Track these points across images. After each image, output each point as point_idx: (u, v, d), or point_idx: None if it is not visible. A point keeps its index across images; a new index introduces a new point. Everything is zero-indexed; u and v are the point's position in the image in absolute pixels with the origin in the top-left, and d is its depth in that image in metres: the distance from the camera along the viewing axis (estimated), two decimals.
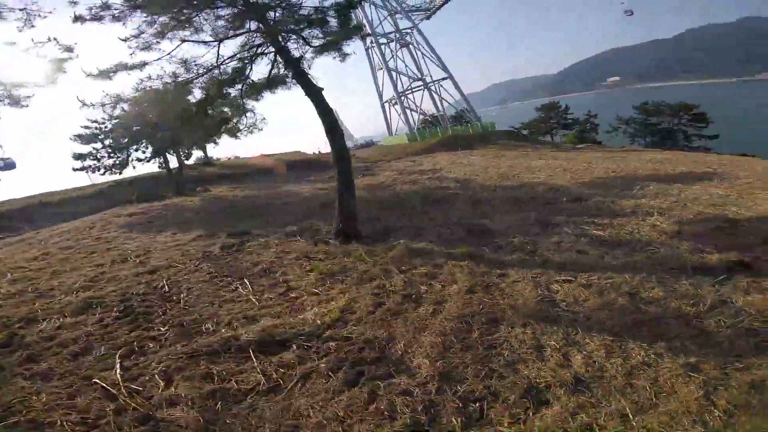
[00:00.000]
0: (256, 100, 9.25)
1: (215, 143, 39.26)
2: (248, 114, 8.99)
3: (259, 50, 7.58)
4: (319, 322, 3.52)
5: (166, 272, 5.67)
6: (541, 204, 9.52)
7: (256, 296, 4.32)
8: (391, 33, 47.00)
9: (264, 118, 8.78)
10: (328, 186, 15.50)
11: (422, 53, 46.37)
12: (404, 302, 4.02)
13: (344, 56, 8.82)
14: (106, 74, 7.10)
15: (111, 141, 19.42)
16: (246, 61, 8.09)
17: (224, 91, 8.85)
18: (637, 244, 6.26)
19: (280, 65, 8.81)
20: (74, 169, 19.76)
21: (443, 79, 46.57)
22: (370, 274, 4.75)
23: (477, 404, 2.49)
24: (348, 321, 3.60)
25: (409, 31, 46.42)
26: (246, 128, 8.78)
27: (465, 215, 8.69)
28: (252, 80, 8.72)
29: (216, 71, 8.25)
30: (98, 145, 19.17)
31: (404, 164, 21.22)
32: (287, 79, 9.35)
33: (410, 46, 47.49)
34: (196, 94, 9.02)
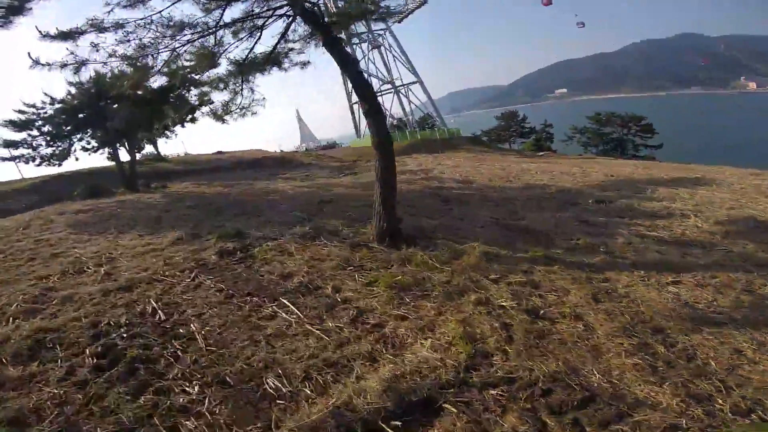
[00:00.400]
0: (247, 81, 7.81)
1: (168, 136, 35.81)
2: (244, 93, 7.43)
3: (275, 13, 6.13)
4: (449, 362, 2.31)
5: (150, 289, 4.04)
6: (562, 204, 8.96)
7: (316, 326, 2.97)
8: (363, 33, 45.98)
9: (264, 98, 7.18)
10: (308, 184, 13.98)
11: (394, 56, 45.98)
12: (534, 320, 2.97)
13: (350, 37, 7.63)
14: (68, 35, 5.24)
15: (51, 128, 16.34)
16: (252, 29, 6.61)
17: (214, 65, 7.31)
18: (703, 244, 5.83)
19: (290, 38, 7.45)
20: (2, 159, 16.36)
21: (413, 83, 46.49)
22: (457, 286, 3.59)
23: (754, 415, 2.16)
24: (488, 354, 2.44)
25: (381, 32, 45.80)
26: (238, 110, 7.18)
27: (495, 215, 7.81)
28: (254, 54, 7.25)
29: (211, 38, 6.67)
30: (35, 132, 16.03)
31: None
32: (285, 58, 8.05)
33: (382, 48, 46.94)
34: (179, 66, 7.34)
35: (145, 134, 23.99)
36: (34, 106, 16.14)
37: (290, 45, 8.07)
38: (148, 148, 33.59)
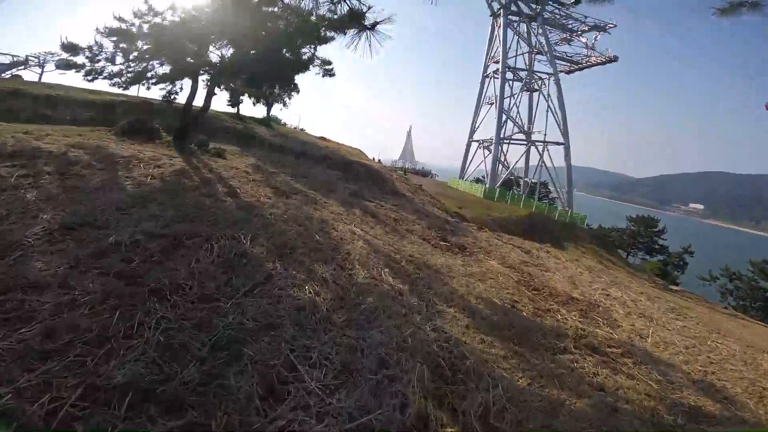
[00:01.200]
0: None
1: (284, 102, 33.64)
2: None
3: None
4: None
5: None
6: None
7: None
8: (523, 71, 39.72)
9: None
10: (396, 248, 8.03)
11: (549, 107, 38.61)
12: None
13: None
14: None
15: (145, 44, 13.19)
16: None
17: None
18: None
19: None
20: (57, 66, 13.77)
21: (558, 143, 38.38)
22: None
23: None
24: None
25: (544, 77, 38.93)
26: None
27: None
28: None
29: None
30: (110, 46, 12.97)
31: (513, 251, 13.25)
32: None
33: (537, 93, 40.06)
34: None
35: (246, 87, 20.70)
36: (140, 16, 13.13)
37: None
38: (260, 110, 31.94)
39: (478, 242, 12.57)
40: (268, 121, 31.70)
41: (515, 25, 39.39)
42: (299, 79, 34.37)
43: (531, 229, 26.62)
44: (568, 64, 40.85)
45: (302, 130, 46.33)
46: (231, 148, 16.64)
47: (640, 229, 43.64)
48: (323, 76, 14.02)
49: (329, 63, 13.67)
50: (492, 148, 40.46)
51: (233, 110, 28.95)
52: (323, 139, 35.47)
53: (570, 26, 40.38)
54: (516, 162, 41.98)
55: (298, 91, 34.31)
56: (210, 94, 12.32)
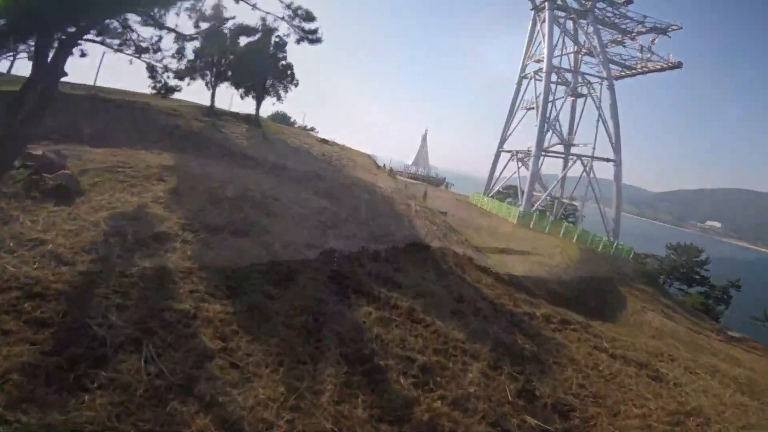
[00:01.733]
0: None
1: (279, 95, 26.70)
2: None
3: None
4: None
5: None
6: None
7: None
8: (569, 72, 32.78)
9: None
10: None
11: (600, 116, 31.58)
12: None
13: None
14: None
15: None
16: None
17: None
18: None
19: None
20: None
21: (607, 160, 31.22)
22: None
23: None
24: None
25: (598, 81, 31.94)
26: None
27: None
28: None
29: None
30: None
31: (638, 385, 6.51)
32: None
33: (581, 99, 33.19)
34: None
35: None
36: None
37: None
38: (246, 104, 25.35)
39: (584, 378, 5.92)
40: (257, 118, 25.08)
41: (561, 21, 32.86)
42: (297, 72, 28.02)
43: (590, 280, 20.43)
44: (619, 69, 33.98)
45: (312, 129, 39.65)
46: (153, 160, 10.32)
47: (681, 259, 38.45)
48: (299, 41, 7.74)
49: (311, 18, 7.25)
50: (526, 161, 33.56)
51: (217, 104, 22.36)
52: (324, 141, 28.74)
53: (624, 26, 33.71)
54: (555, 185, 35.11)
55: (296, 84, 28.25)
56: (57, 66, 5.90)
